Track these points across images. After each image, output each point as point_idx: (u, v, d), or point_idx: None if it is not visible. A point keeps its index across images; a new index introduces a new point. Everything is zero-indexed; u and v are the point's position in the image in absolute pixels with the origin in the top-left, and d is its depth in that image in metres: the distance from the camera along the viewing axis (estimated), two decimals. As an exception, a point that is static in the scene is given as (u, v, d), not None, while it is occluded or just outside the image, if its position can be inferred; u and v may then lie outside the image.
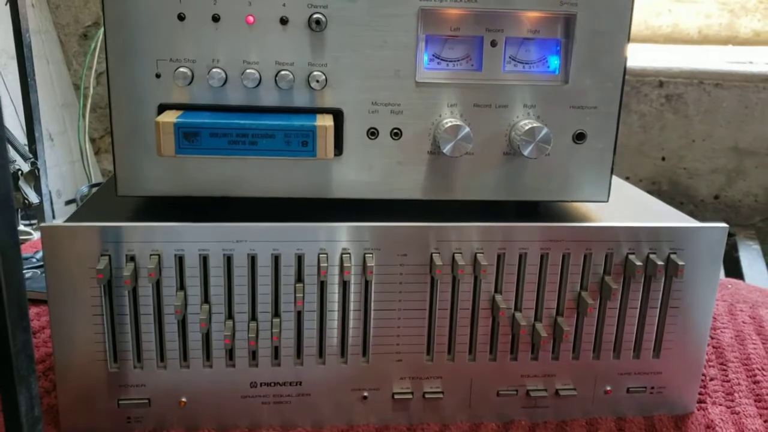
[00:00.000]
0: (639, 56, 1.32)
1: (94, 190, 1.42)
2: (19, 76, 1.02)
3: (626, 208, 0.65)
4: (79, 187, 1.72)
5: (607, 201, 0.62)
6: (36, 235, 1.07)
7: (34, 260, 0.89)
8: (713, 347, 0.74)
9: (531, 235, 0.58)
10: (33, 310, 0.79)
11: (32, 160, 1.01)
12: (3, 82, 1.21)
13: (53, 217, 1.54)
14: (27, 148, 1.04)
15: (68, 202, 1.65)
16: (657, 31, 1.61)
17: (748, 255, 1.14)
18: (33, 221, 1.25)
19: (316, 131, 0.53)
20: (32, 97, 1.04)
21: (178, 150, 0.53)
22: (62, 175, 1.68)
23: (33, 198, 1.02)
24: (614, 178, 0.63)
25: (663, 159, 1.30)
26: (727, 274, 1.11)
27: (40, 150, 1.05)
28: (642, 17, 1.64)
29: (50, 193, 1.41)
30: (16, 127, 1.34)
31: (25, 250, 0.97)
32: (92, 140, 1.85)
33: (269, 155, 0.54)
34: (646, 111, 1.28)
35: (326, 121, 0.54)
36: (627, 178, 1.24)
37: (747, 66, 1.23)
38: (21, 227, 1.08)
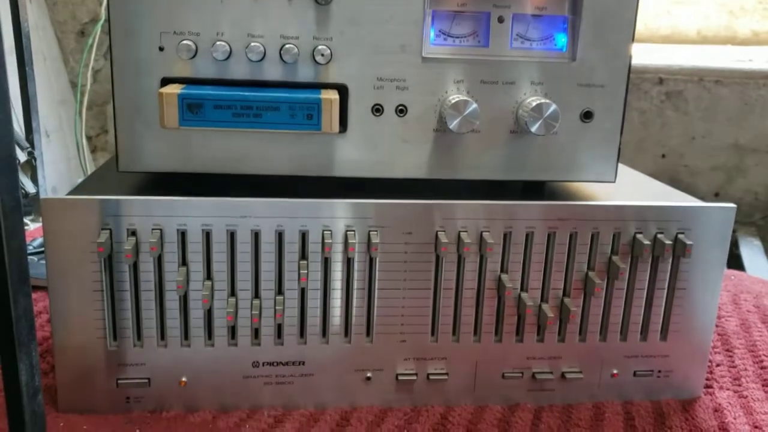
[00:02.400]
0: (639, 55, 1.32)
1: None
2: (17, 67, 1.01)
3: (633, 189, 0.65)
4: (74, 185, 1.70)
5: (614, 181, 0.61)
6: (33, 226, 1.06)
7: (31, 248, 0.88)
8: (718, 335, 0.73)
9: (538, 213, 0.57)
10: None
11: (29, 149, 1.00)
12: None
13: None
14: (24, 138, 1.03)
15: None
16: (656, 32, 1.61)
17: (750, 251, 1.13)
18: (29, 208, 1.23)
19: (321, 104, 0.53)
20: (30, 87, 1.03)
21: (181, 122, 0.52)
22: (58, 171, 1.67)
23: (30, 188, 1.01)
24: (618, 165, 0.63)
25: (663, 156, 1.30)
26: (729, 268, 1.10)
27: (37, 140, 1.04)
28: (641, 19, 1.64)
29: (47, 189, 1.40)
30: (13, 119, 1.32)
31: (22, 239, 0.96)
32: (88, 138, 1.84)
33: (274, 128, 0.53)
34: (647, 108, 1.28)
35: (331, 95, 0.54)
36: (627, 176, 1.24)
37: (747, 63, 1.23)
38: (17, 218, 1.07)
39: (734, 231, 1.23)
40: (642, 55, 1.41)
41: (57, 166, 1.66)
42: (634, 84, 1.27)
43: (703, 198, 1.33)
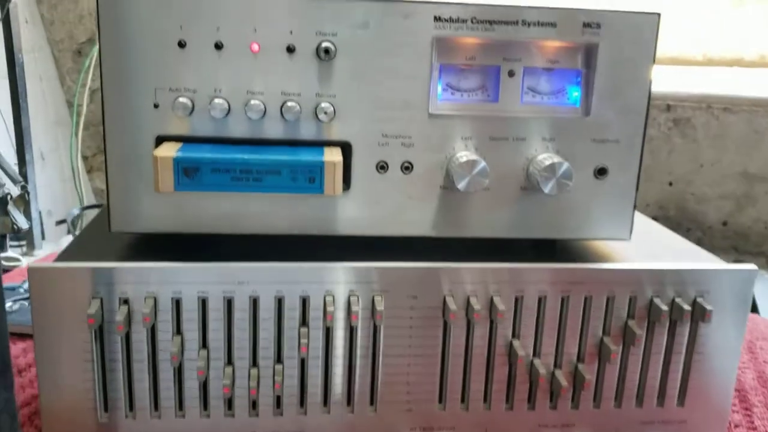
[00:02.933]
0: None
1: (85, 212, 1.38)
2: (10, 97, 0.99)
3: (648, 245, 0.62)
4: (70, 208, 1.68)
5: (629, 239, 0.58)
6: (25, 261, 1.03)
7: (22, 290, 0.85)
8: (736, 390, 0.71)
9: (550, 277, 0.55)
10: (20, 346, 0.75)
11: (22, 183, 0.97)
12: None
13: (42, 238, 1.50)
14: (17, 170, 1.00)
15: (59, 223, 1.61)
16: (662, 54, 1.59)
17: (762, 285, 1.11)
18: (22, 242, 1.21)
19: (324, 167, 0.50)
20: (23, 120, 1.01)
21: (177, 186, 0.49)
22: (53, 194, 1.64)
23: (22, 223, 0.98)
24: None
25: (670, 184, 1.27)
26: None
27: (31, 173, 1.01)
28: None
29: (40, 213, 1.38)
30: (7, 146, 1.30)
31: (13, 279, 0.93)
32: (85, 158, 1.82)
33: (275, 191, 0.50)
34: (654, 135, 1.26)
35: (334, 156, 0.51)
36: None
37: (756, 91, 1.21)
38: (9, 253, 1.04)
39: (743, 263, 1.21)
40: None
41: (53, 188, 1.64)
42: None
43: (710, 227, 1.31)
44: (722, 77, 1.36)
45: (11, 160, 1.12)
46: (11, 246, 1.13)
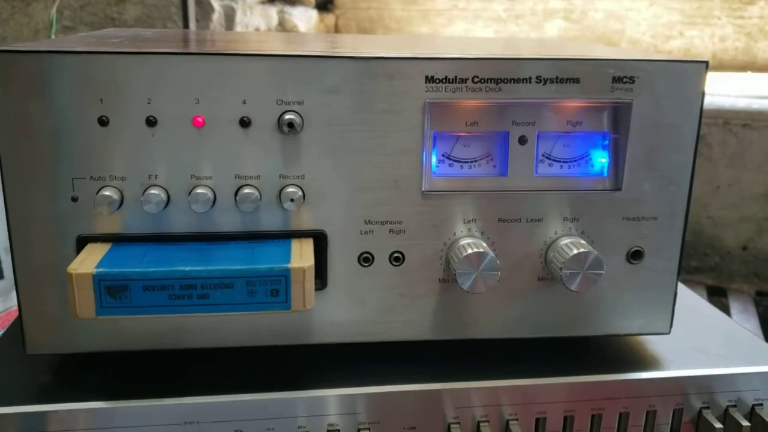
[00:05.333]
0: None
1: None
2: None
3: (691, 335, 0.51)
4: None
5: (669, 333, 0.48)
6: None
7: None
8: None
9: (579, 393, 0.44)
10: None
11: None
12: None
13: (0, 276, 1.38)
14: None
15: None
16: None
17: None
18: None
19: (290, 276, 0.39)
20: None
21: (99, 310, 0.38)
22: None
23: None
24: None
25: (684, 206, 1.16)
26: (766, 337, 0.98)
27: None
28: (651, 41, 1.51)
29: None
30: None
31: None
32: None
33: (226, 311, 0.39)
34: (665, 154, 1.15)
35: (304, 258, 0.40)
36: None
37: (776, 102, 1.11)
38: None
39: (766, 293, 1.11)
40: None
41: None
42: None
43: (729, 253, 1.21)
44: (737, 85, 1.26)
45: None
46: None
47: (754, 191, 1.12)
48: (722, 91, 1.20)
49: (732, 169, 1.14)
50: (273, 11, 1.45)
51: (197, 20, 1.24)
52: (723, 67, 1.47)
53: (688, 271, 1.16)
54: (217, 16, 1.23)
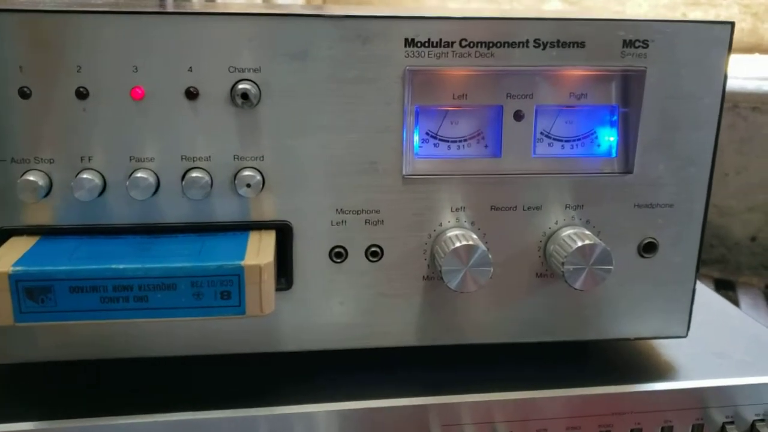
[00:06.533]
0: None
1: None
2: None
3: (710, 338, 0.45)
4: None
5: (686, 336, 0.42)
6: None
7: None
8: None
9: (582, 407, 0.38)
10: None
11: None
12: None
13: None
14: None
15: None
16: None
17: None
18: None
19: (243, 275, 0.33)
20: None
21: (18, 317, 0.32)
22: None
23: None
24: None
25: (690, 194, 1.11)
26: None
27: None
28: (652, 24, 1.45)
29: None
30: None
31: None
32: None
33: (168, 316, 0.33)
34: (670, 139, 1.09)
35: (262, 255, 0.34)
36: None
37: (787, 85, 1.05)
38: None
39: (778, 286, 1.06)
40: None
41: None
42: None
43: (737, 244, 1.16)
44: (744, 67, 1.20)
45: None
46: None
47: (764, 178, 1.06)
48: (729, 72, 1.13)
49: (741, 155, 1.08)
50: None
51: None
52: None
53: (693, 263, 1.10)
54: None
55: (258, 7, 0.36)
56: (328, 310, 0.39)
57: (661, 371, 0.42)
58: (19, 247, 0.35)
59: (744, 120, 1.08)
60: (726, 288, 1.09)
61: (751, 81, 1.10)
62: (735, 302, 1.03)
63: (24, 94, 0.34)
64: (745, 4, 1.41)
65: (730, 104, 1.08)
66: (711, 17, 1.43)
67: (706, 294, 0.53)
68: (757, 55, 1.34)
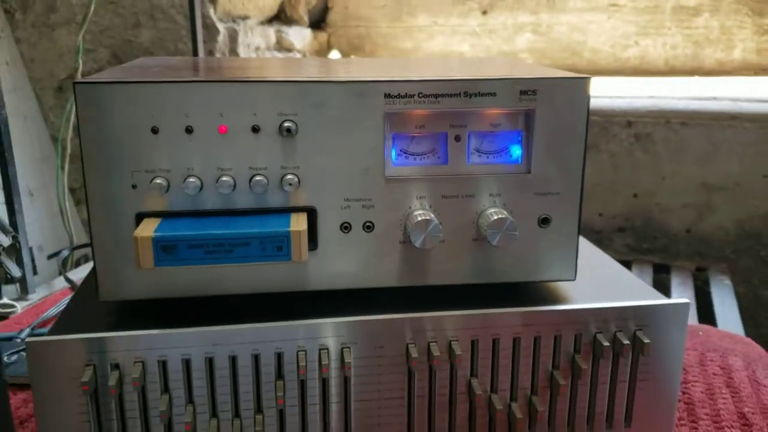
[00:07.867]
0: (608, 96, 1.35)
1: (76, 252, 1.43)
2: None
3: (593, 281, 0.68)
4: (60, 240, 1.72)
5: (574, 279, 0.64)
6: (20, 307, 1.08)
7: (19, 340, 0.90)
8: (684, 403, 0.77)
9: (503, 321, 0.60)
10: (20, 396, 0.80)
11: (13, 234, 1.02)
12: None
13: (35, 273, 1.54)
14: (7, 220, 1.05)
15: (50, 257, 1.66)
16: (625, 63, 1.65)
17: (720, 292, 1.17)
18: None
19: (290, 236, 0.55)
20: (10, 170, 1.05)
21: (156, 262, 0.55)
22: (43, 229, 1.69)
23: (15, 272, 1.03)
24: (582, 240, 0.65)
25: (635, 196, 1.33)
26: (700, 313, 1.14)
27: (20, 222, 1.06)
28: (610, 50, 1.68)
29: (31, 249, 1.42)
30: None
31: (10, 327, 0.98)
32: (72, 190, 1.86)
33: (246, 261, 0.55)
34: (616, 150, 1.32)
35: (300, 225, 0.56)
36: (600, 215, 1.28)
37: (711, 103, 1.27)
38: (5, 300, 1.09)
39: (705, 269, 1.27)
40: (611, 92, 1.44)
41: (42, 224, 1.69)
42: (603, 127, 1.31)
43: (675, 235, 1.37)
44: (682, 89, 1.42)
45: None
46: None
47: (693, 181, 1.28)
48: (667, 93, 1.36)
49: (674, 163, 1.30)
50: (271, 31, 1.62)
51: (204, 41, 1.40)
52: (675, 72, 1.63)
53: (640, 252, 1.32)
54: (222, 37, 1.38)
55: (294, 75, 0.58)
56: (339, 264, 0.61)
57: (557, 298, 0.64)
58: (151, 224, 0.57)
59: (675, 133, 1.30)
60: (663, 272, 1.30)
61: (681, 100, 1.32)
62: (668, 281, 1.24)
63: (154, 131, 0.56)
64: (687, 33, 1.64)
65: (664, 120, 1.30)
66: (659, 45, 1.66)
67: (599, 256, 0.76)
68: (696, 77, 1.57)
